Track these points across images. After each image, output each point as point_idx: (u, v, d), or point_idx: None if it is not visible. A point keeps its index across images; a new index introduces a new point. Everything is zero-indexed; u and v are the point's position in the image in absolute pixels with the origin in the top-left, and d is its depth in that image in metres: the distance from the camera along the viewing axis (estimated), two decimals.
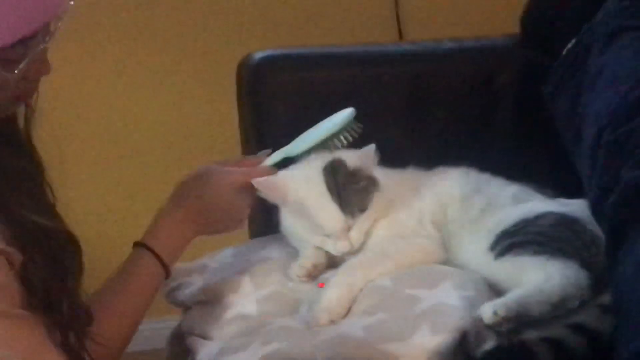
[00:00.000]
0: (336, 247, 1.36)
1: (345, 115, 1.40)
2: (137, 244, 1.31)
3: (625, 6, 1.50)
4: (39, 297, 1.07)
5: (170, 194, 1.34)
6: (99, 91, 2.18)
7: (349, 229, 1.35)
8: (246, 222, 1.40)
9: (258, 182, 1.37)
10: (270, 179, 1.38)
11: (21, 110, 1.16)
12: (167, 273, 1.31)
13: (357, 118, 1.40)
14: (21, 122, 1.17)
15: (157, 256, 1.29)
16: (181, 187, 1.35)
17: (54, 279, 1.09)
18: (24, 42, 1.03)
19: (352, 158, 1.38)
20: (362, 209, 1.36)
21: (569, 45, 1.57)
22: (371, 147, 1.38)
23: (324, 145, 1.40)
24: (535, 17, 1.70)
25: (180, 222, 1.32)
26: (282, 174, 1.40)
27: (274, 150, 1.43)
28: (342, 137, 1.39)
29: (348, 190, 1.35)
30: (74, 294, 1.13)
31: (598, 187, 1.28)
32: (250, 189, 1.35)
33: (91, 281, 1.25)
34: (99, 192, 2.16)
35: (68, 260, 1.13)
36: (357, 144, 1.41)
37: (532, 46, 1.71)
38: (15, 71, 1.05)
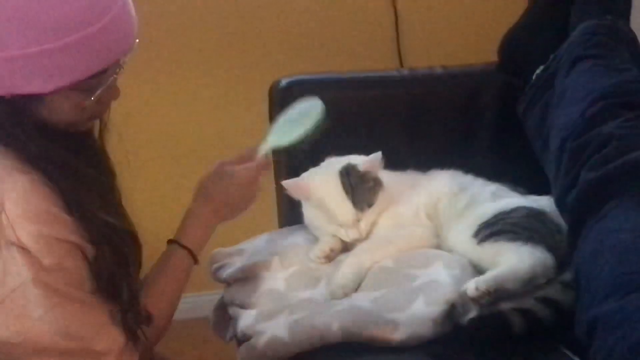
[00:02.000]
0: (348, 235, 1.37)
1: (319, 108, 1.29)
2: (171, 241, 1.25)
3: (585, 39, 1.50)
4: (104, 284, 1.07)
5: (195, 194, 1.27)
6: (158, 109, 2.20)
7: (358, 220, 1.36)
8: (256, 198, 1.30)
9: (287, 183, 1.37)
10: (297, 181, 1.39)
11: (96, 124, 1.16)
12: (196, 261, 1.26)
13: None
14: (96, 134, 1.17)
15: (189, 251, 1.24)
16: (204, 186, 1.27)
17: (117, 269, 1.08)
18: (99, 75, 1.04)
19: (362, 163, 1.38)
20: (370, 204, 1.36)
21: (538, 71, 1.56)
22: (378, 154, 1.38)
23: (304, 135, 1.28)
24: (510, 48, 1.69)
25: (207, 218, 1.26)
26: (306, 176, 1.40)
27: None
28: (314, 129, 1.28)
29: (359, 189, 1.35)
30: (133, 282, 1.12)
31: (561, 186, 1.28)
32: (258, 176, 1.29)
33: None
34: (160, 192, 2.17)
35: (130, 253, 1.12)
36: (365, 151, 1.41)
37: (507, 72, 1.70)
38: (92, 98, 1.05)
